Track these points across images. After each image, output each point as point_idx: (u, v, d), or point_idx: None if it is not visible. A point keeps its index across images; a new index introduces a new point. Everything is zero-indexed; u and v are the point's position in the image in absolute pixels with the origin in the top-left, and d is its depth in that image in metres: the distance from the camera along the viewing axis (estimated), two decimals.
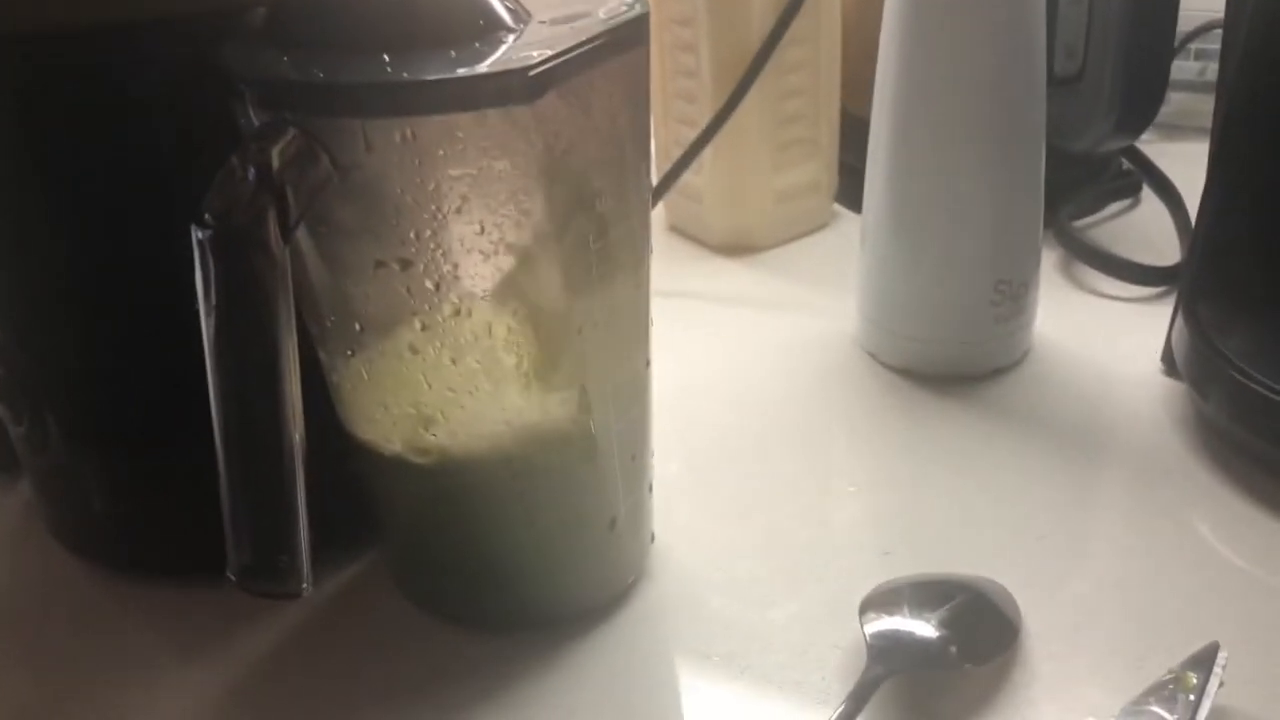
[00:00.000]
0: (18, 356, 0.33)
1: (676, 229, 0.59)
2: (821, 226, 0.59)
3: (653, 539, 0.36)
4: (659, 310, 0.32)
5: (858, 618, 0.31)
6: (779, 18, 0.52)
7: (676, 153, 0.54)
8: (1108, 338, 0.47)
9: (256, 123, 0.25)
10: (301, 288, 0.28)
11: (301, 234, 0.27)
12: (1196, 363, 0.40)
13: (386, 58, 0.25)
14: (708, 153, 0.53)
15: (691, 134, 0.53)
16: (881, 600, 0.32)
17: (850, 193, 0.58)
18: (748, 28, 0.52)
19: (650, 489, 0.34)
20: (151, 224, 0.27)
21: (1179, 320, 0.41)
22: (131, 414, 0.33)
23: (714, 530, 0.37)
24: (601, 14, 0.27)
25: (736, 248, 0.57)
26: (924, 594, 0.32)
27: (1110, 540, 0.36)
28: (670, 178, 0.54)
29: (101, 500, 0.35)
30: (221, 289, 0.23)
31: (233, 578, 0.25)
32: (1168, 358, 0.43)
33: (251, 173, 0.24)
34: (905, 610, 0.31)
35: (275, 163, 0.24)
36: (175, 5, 0.27)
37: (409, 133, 0.25)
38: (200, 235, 0.23)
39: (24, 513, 0.40)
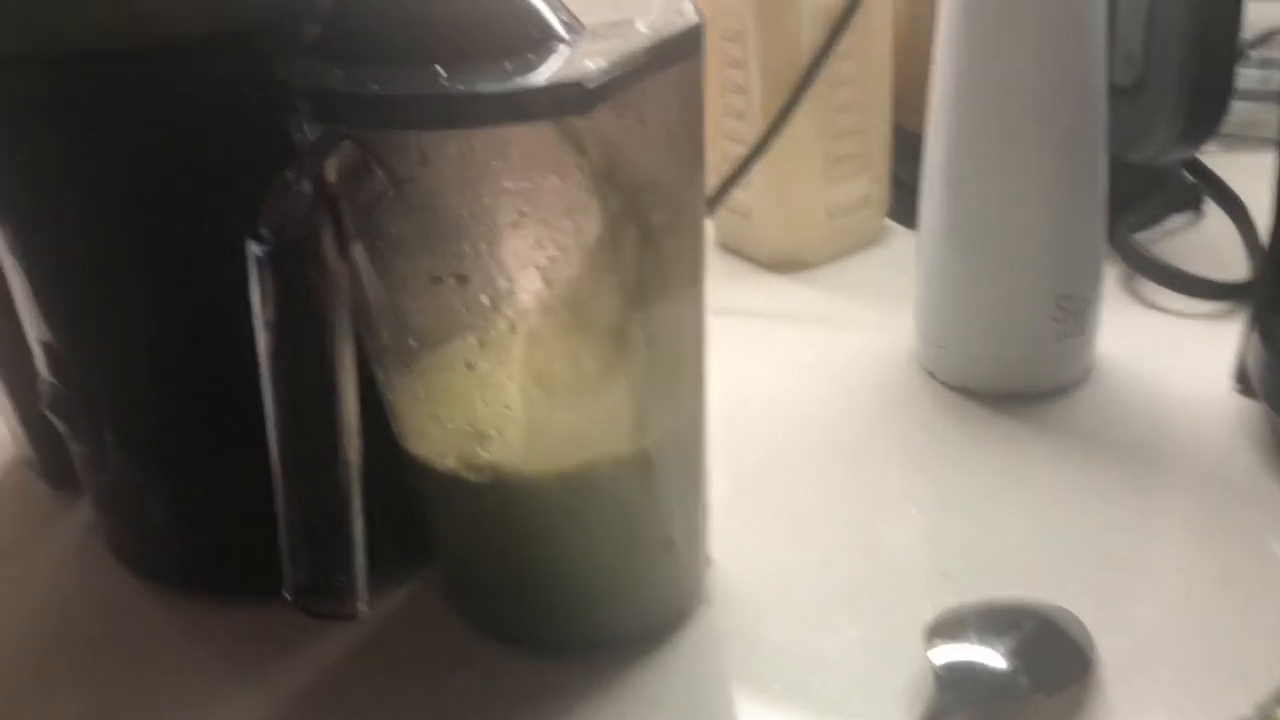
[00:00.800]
0: (77, 374, 0.33)
1: (726, 246, 0.59)
2: (873, 242, 0.58)
3: (709, 561, 0.35)
4: (710, 328, 0.32)
5: (921, 644, 0.30)
6: (829, 32, 0.51)
7: (726, 169, 0.53)
8: (1174, 354, 0.45)
9: (311, 136, 0.25)
10: (357, 303, 0.27)
11: (356, 249, 0.26)
12: (1273, 380, 0.38)
13: (441, 70, 0.25)
14: (757, 169, 0.53)
15: (741, 150, 0.53)
16: (947, 628, 0.31)
17: (903, 208, 0.57)
18: (797, 43, 0.51)
19: (706, 510, 0.34)
20: (207, 240, 0.27)
21: (1254, 336, 0.40)
22: (189, 432, 0.33)
23: (771, 553, 0.36)
24: (654, 26, 0.27)
25: (787, 264, 0.56)
26: (991, 621, 0.31)
27: (1184, 565, 0.34)
28: (720, 194, 0.53)
29: (160, 518, 0.35)
30: (278, 304, 0.23)
31: (289, 597, 0.25)
32: (1241, 375, 0.42)
33: (307, 186, 0.23)
34: (973, 638, 0.30)
35: (331, 176, 0.24)
36: (230, 22, 0.27)
37: (464, 145, 0.24)
38: (256, 250, 0.23)
39: (85, 531, 0.40)
